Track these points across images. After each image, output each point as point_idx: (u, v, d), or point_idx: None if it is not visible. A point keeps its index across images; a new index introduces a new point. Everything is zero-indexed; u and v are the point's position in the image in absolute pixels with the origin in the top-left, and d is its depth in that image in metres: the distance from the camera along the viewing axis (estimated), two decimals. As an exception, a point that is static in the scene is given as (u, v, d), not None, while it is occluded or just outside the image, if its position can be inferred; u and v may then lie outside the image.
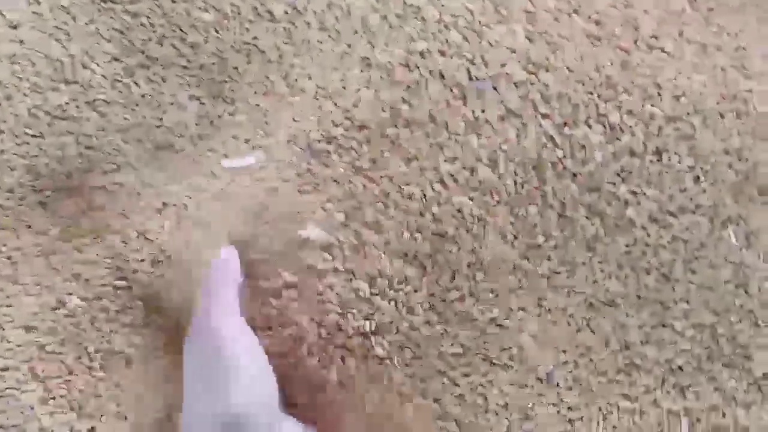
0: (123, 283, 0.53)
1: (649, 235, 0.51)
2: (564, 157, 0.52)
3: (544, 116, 0.52)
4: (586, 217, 0.52)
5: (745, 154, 0.53)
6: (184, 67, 0.55)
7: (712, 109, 0.53)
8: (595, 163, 0.52)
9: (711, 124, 0.53)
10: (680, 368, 0.50)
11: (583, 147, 0.52)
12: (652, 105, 0.53)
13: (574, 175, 0.52)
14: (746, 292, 0.50)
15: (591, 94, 0.53)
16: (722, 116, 0.53)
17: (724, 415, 0.51)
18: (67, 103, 0.54)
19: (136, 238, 0.53)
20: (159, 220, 0.53)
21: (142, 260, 0.53)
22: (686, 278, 0.51)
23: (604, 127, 0.52)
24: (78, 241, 0.53)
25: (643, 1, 0.57)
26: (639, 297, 0.51)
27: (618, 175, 0.52)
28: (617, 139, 0.52)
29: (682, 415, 0.51)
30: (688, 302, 0.51)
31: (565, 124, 0.52)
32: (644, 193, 0.52)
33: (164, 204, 0.54)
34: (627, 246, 0.51)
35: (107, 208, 0.54)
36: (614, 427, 0.51)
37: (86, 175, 0.54)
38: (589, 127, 0.52)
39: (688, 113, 0.53)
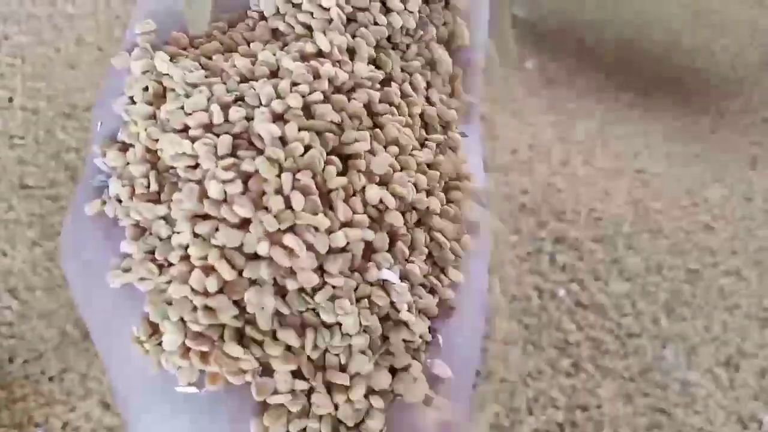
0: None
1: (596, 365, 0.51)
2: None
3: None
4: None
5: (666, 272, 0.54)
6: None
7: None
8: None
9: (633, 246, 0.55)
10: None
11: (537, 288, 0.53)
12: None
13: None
14: (695, 411, 0.50)
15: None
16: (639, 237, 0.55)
17: None
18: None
19: (61, 429, 0.50)
20: (84, 408, 0.50)
21: (69, 453, 0.49)
22: (640, 402, 0.50)
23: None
24: (-2, 440, 0.50)
25: (546, 132, 0.60)
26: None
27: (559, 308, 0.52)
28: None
29: None
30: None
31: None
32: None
33: (88, 390, 0.51)
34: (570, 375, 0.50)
35: (29, 399, 0.51)
36: None
37: (6, 367, 0.52)
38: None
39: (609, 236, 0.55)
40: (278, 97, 0.21)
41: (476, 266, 0.24)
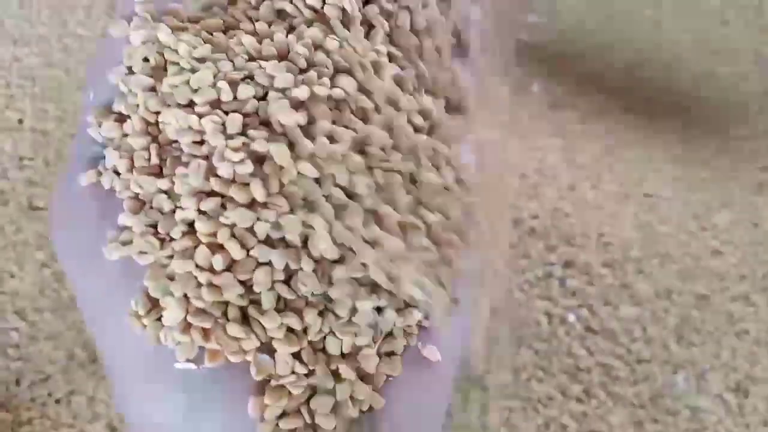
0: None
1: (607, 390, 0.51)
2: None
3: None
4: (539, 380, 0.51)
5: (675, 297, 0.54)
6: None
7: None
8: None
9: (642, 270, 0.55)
10: None
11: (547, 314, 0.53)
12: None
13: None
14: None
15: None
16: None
17: None
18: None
19: (67, 453, 0.50)
20: (91, 431, 0.50)
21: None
22: (651, 429, 0.50)
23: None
24: (3, 464, 0.49)
25: (553, 156, 0.61)
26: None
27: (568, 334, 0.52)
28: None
29: None
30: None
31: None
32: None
33: (95, 413, 0.51)
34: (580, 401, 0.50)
35: (35, 422, 0.50)
36: None
37: (13, 389, 0.51)
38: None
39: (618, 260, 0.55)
40: (302, 83, 0.21)
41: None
